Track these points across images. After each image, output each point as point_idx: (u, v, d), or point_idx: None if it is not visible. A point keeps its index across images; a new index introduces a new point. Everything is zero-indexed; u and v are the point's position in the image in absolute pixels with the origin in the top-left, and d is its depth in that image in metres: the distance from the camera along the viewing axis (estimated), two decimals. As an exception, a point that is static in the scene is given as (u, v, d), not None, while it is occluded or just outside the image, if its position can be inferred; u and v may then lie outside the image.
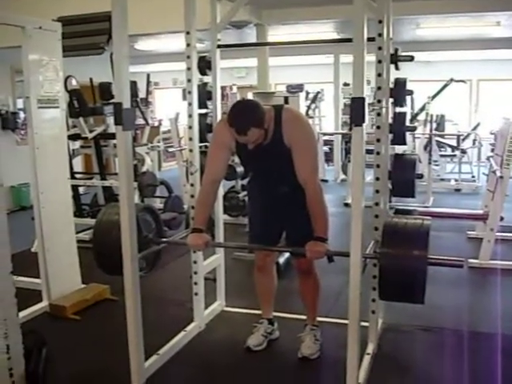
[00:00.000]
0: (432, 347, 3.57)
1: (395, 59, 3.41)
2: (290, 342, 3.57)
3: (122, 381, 3.08)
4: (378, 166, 3.24)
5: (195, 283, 3.79)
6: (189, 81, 3.59)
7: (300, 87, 8.22)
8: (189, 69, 3.57)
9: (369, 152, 3.31)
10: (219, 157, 3.13)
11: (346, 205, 7.79)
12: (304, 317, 3.59)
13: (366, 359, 3.23)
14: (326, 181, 10.33)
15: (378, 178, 3.24)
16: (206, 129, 4.31)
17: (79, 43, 5.62)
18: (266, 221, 3.36)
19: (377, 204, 3.24)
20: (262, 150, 3.00)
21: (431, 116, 9.04)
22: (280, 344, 3.63)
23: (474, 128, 10.55)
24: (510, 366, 3.20)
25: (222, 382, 3.20)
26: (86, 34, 5.72)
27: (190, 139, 3.69)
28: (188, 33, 3.53)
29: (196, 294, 3.80)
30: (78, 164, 8.51)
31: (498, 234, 5.32)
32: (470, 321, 3.92)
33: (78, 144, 7.09)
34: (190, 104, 3.62)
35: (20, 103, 8.65)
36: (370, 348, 3.39)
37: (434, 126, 9.33)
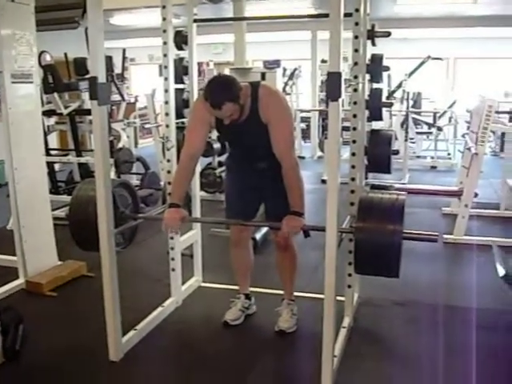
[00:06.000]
0: (407, 321, 3.63)
1: (372, 35, 3.42)
2: (266, 316, 3.60)
3: (100, 356, 3.10)
4: (354, 141, 3.25)
5: (172, 259, 3.79)
6: (165, 55, 3.56)
7: (277, 63, 8.20)
8: (165, 43, 3.54)
9: (346, 129, 3.33)
10: (198, 132, 3.14)
11: (323, 181, 7.82)
12: (281, 292, 3.62)
13: (342, 332, 3.27)
14: (302, 158, 10.37)
15: (354, 154, 3.25)
16: (182, 104, 4.29)
17: (53, 17, 5.52)
18: (243, 196, 3.37)
19: (353, 179, 3.26)
20: (240, 126, 3.01)
21: (408, 93, 9.08)
22: (257, 318, 3.66)
23: (450, 106, 10.61)
24: (483, 339, 3.26)
25: (199, 357, 3.21)
26: (60, 8, 5.62)
27: (167, 114, 3.67)
28: (164, 7, 3.49)
29: (173, 269, 3.81)
30: (53, 140, 8.41)
31: (472, 210, 5.39)
32: (445, 295, 3.99)
33: (52, 120, 6.99)
34: (166, 79, 3.59)
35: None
36: (346, 322, 3.43)
37: (411, 103, 9.38)
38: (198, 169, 4.11)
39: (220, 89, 2.86)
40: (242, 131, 3.06)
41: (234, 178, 3.48)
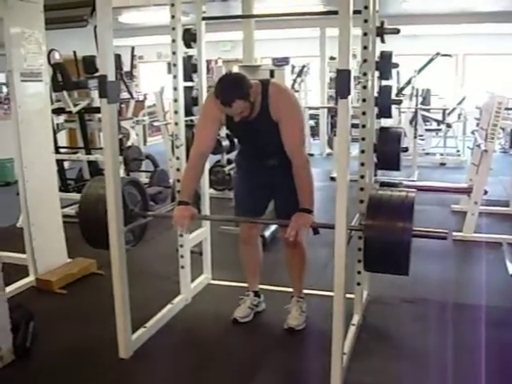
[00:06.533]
0: (416, 318, 3.62)
1: (381, 32, 3.40)
2: (276, 314, 3.60)
3: (110, 354, 3.11)
4: (363, 139, 3.24)
5: (181, 256, 3.80)
6: (174, 53, 3.56)
7: (286, 60, 8.19)
8: (174, 41, 3.54)
9: (354, 126, 3.32)
10: (208, 129, 3.15)
11: (332, 179, 7.81)
12: (290, 289, 3.61)
13: (352, 330, 3.27)
14: (311, 155, 10.34)
15: (363, 151, 3.25)
16: (191, 102, 4.30)
17: (62, 15, 5.54)
18: (252, 193, 3.39)
19: (362, 177, 3.25)
20: (250, 123, 3.03)
21: (417, 90, 9.04)
22: (266, 316, 3.66)
23: (460, 102, 10.56)
24: (492, 337, 3.26)
25: (208, 354, 3.22)
26: (69, 6, 5.64)
27: (176, 112, 3.67)
28: (173, 5, 3.50)
29: (182, 267, 3.81)
30: (63, 138, 8.44)
31: (481, 207, 5.37)
32: (454, 293, 3.98)
33: (62, 118, 7.02)
34: (175, 77, 3.59)
35: (2, 77, 8.53)
36: (356, 319, 3.42)
37: (420, 100, 9.34)
38: (207, 166, 4.12)
39: (230, 86, 2.88)
40: (252, 128, 3.07)
41: (244, 176, 3.49)
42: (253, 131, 3.09)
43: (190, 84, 4.31)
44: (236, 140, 3.91)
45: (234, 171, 3.68)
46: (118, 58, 6.09)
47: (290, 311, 3.49)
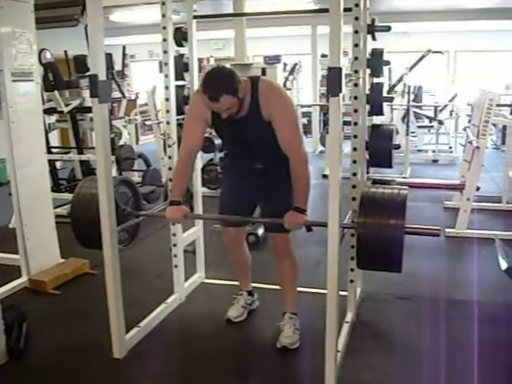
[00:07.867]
0: (409, 315, 3.63)
1: (372, 29, 3.41)
2: (269, 312, 3.60)
3: (104, 354, 3.10)
4: (355, 136, 3.23)
5: (175, 255, 3.80)
6: (165, 52, 3.55)
7: (277, 58, 8.18)
8: (165, 40, 3.53)
9: (346, 123, 3.32)
10: (195, 128, 3.05)
11: (325, 176, 7.82)
12: (283, 287, 3.61)
13: (345, 328, 3.28)
14: (304, 153, 10.32)
15: (355, 149, 3.24)
16: (183, 101, 4.28)
17: (53, 15, 5.52)
18: (237, 197, 3.27)
19: (354, 174, 3.25)
20: (238, 122, 2.92)
21: (409, 87, 9.06)
22: (260, 314, 3.67)
23: (451, 99, 10.60)
24: (484, 331, 3.28)
25: (202, 354, 3.21)
26: (60, 6, 5.62)
27: (167, 111, 3.67)
28: (163, 3, 3.49)
29: (176, 266, 3.81)
30: (55, 138, 8.41)
31: (474, 203, 5.39)
32: (447, 289, 3.99)
33: (53, 118, 7.01)
34: (166, 76, 3.59)
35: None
36: (349, 317, 3.43)
37: (412, 97, 9.37)
38: (200, 165, 4.11)
39: (218, 81, 2.77)
40: (240, 128, 2.96)
41: (230, 180, 3.38)
42: (241, 131, 2.98)
43: (181, 83, 4.30)
44: (222, 141, 3.73)
45: (222, 174, 3.62)
46: (109, 57, 6.08)
47: (283, 329, 3.27)
